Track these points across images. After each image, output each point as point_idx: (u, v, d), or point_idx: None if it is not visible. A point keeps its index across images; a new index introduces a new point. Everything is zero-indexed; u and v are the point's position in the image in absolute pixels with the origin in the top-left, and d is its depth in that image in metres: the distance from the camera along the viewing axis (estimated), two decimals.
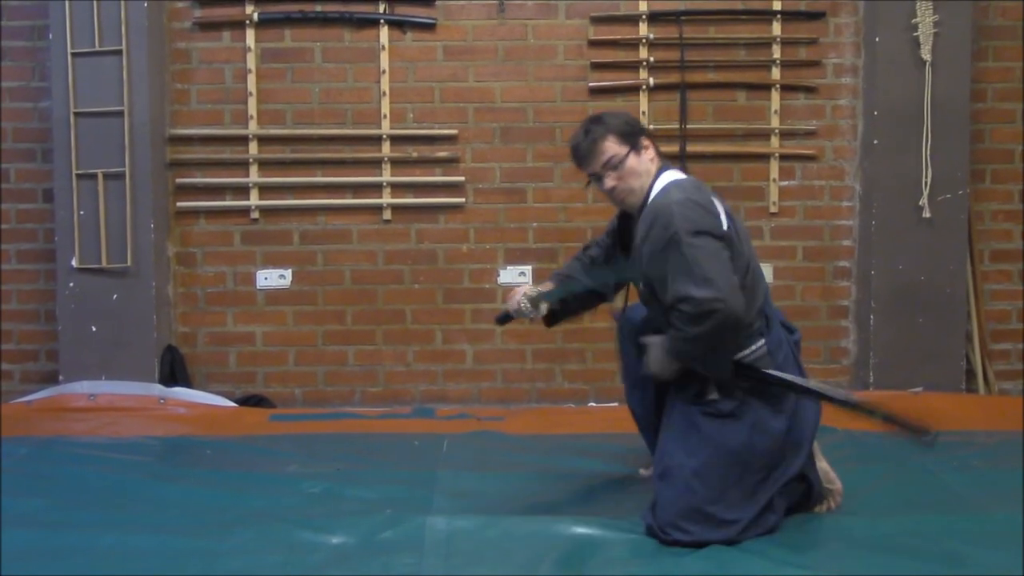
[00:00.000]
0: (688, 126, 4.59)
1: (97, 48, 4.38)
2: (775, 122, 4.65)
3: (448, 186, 4.65)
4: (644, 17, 4.59)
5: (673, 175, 2.89)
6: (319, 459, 3.61)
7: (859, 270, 4.66)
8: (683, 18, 4.60)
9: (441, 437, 3.92)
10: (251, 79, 4.58)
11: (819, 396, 2.83)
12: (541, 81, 4.65)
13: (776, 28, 4.63)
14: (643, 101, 4.58)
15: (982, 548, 2.67)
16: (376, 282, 4.68)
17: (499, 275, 4.69)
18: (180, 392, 4.44)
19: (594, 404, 4.59)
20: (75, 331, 4.46)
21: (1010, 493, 3.11)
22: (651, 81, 4.59)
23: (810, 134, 4.67)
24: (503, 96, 4.64)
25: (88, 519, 2.93)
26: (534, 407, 4.60)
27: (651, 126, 4.46)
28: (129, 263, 4.43)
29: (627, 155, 2.85)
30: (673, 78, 4.60)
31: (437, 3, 4.61)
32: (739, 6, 4.65)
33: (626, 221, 3.03)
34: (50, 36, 4.43)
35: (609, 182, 2.87)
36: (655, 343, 2.84)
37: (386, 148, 4.63)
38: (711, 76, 4.65)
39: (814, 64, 4.65)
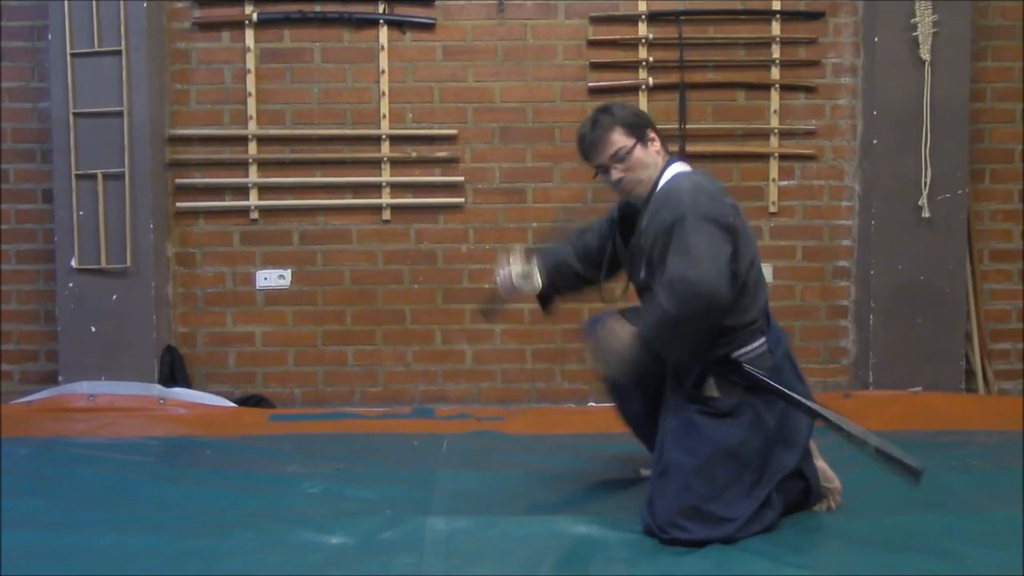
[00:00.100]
0: (687, 126, 4.59)
1: (96, 48, 4.38)
2: (774, 122, 4.65)
3: (447, 186, 4.65)
4: (643, 17, 4.59)
5: (683, 167, 2.90)
6: (319, 459, 3.61)
7: (858, 270, 4.66)
8: (682, 18, 4.60)
9: (441, 437, 3.92)
10: (250, 79, 4.58)
11: (813, 414, 2.83)
12: (540, 81, 4.65)
13: (775, 28, 4.63)
14: (642, 101, 4.58)
15: (982, 548, 2.67)
16: (376, 282, 4.68)
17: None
18: (180, 392, 4.43)
19: (594, 404, 4.58)
20: (75, 331, 4.46)
21: (1010, 493, 3.11)
22: (650, 81, 4.60)
23: (809, 134, 4.68)
24: (502, 96, 4.64)
25: (88, 519, 2.93)
26: (534, 407, 4.61)
27: None
28: (128, 263, 4.43)
29: (634, 147, 2.85)
30: (672, 78, 4.60)
31: (436, 3, 4.61)
32: (738, 6, 4.65)
33: (628, 211, 3.03)
34: (49, 36, 4.42)
35: (616, 173, 2.87)
36: (615, 321, 2.78)
37: (385, 148, 4.63)
38: (710, 76, 4.65)
39: (813, 64, 4.65)
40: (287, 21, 4.60)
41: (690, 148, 4.58)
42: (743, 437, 2.76)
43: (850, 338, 4.72)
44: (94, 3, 4.37)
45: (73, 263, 4.43)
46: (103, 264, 4.43)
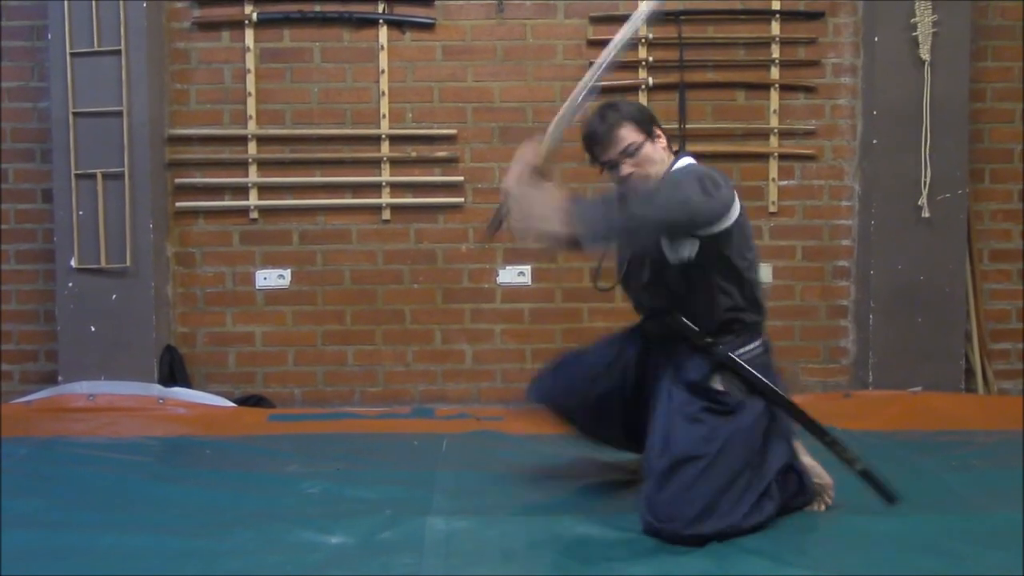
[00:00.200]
0: (687, 126, 4.59)
1: (96, 48, 4.38)
2: (774, 122, 4.65)
3: (447, 186, 4.65)
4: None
5: (691, 160, 2.93)
6: (318, 459, 3.60)
7: (858, 270, 4.66)
8: (682, 18, 4.60)
9: (441, 437, 3.91)
10: (250, 79, 4.58)
11: (803, 421, 2.87)
12: (540, 81, 4.65)
13: (775, 28, 4.63)
14: (642, 101, 4.57)
15: (982, 548, 2.67)
16: (375, 282, 4.68)
17: (498, 275, 4.69)
18: (179, 392, 4.43)
19: None
20: (74, 331, 4.46)
21: (1010, 493, 3.10)
22: (650, 81, 4.60)
23: (809, 134, 4.68)
24: (502, 96, 4.64)
25: (88, 519, 2.93)
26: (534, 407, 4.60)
27: None
28: (128, 263, 4.43)
29: (643, 143, 2.86)
30: (672, 78, 4.60)
31: (436, 3, 4.61)
32: (738, 6, 4.65)
33: None
34: (49, 36, 4.42)
35: (626, 169, 2.86)
36: (551, 191, 2.67)
37: (385, 148, 4.63)
38: (710, 76, 4.65)
39: (813, 64, 4.65)
40: (287, 21, 4.60)
41: (690, 148, 4.55)
42: (749, 433, 2.78)
43: (850, 338, 4.72)
44: (94, 3, 4.36)
45: (73, 263, 4.43)
46: (103, 264, 4.43)
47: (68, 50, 4.37)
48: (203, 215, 4.65)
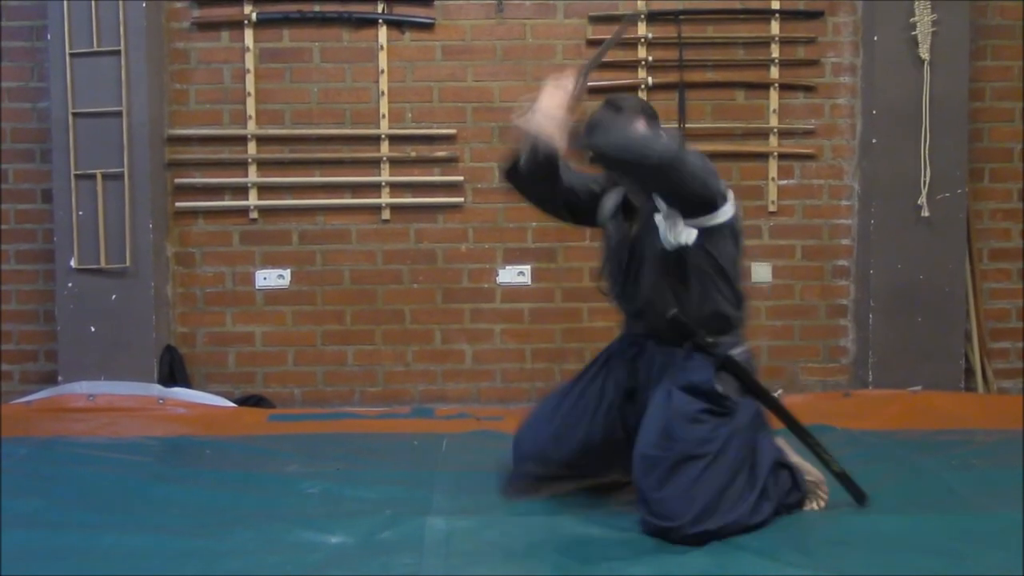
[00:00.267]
0: (687, 125, 4.59)
1: (95, 48, 4.38)
2: (774, 121, 4.65)
3: (447, 186, 4.65)
4: (643, 16, 4.59)
5: None
6: (318, 459, 3.61)
7: (858, 269, 4.66)
8: (682, 17, 4.60)
9: (440, 437, 3.92)
10: (249, 79, 4.58)
11: (789, 422, 2.95)
12: (540, 81, 4.55)
13: (775, 27, 4.63)
14: None
15: (982, 548, 2.67)
16: (375, 282, 4.68)
17: (498, 275, 4.69)
18: (179, 392, 4.43)
19: None
20: (74, 331, 4.46)
21: (1010, 492, 3.10)
22: (650, 80, 4.59)
23: (809, 133, 4.68)
24: (502, 96, 4.64)
25: (88, 519, 2.93)
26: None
27: None
28: (128, 263, 4.43)
29: None
30: (672, 77, 4.60)
31: (435, 3, 4.61)
32: (737, 5, 4.65)
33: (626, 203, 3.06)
34: (48, 36, 4.42)
35: None
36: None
37: (385, 148, 4.63)
38: (710, 75, 4.65)
39: (813, 63, 4.65)
40: (286, 21, 4.59)
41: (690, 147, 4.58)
42: (744, 432, 2.80)
43: (850, 337, 4.72)
44: (93, 3, 4.36)
45: (72, 263, 4.42)
46: (102, 264, 4.43)
47: (68, 50, 4.37)
48: (203, 215, 4.65)
